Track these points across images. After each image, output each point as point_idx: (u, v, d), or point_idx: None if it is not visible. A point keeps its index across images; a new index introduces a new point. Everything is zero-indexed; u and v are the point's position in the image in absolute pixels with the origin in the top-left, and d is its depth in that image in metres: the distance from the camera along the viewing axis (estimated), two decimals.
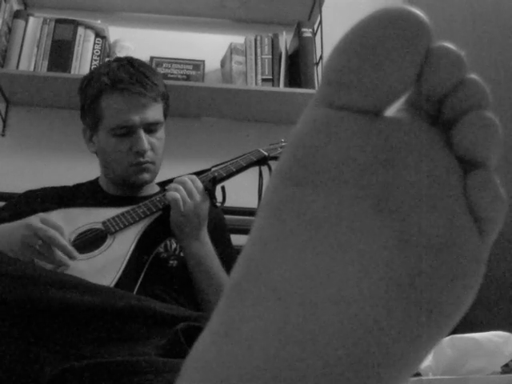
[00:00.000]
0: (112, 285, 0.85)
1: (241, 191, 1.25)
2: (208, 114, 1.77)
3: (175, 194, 0.96)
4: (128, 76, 1.03)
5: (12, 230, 0.87)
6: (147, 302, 0.62)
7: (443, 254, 0.24)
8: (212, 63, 1.79)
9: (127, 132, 1.04)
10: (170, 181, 1.07)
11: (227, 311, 0.24)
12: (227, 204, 1.06)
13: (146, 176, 1.07)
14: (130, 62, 1.07)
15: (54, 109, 1.74)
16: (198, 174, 1.06)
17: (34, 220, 0.86)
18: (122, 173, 1.06)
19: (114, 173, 1.08)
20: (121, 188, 1.12)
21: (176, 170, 1.14)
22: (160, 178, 1.14)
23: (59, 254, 0.85)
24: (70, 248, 0.86)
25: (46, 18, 1.67)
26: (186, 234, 0.97)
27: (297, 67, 1.67)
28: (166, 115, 1.12)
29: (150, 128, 1.06)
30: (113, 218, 0.97)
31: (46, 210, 0.98)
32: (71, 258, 0.86)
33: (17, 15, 1.67)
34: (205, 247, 0.99)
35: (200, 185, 0.99)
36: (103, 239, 0.94)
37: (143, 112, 1.03)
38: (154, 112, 1.06)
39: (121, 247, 0.93)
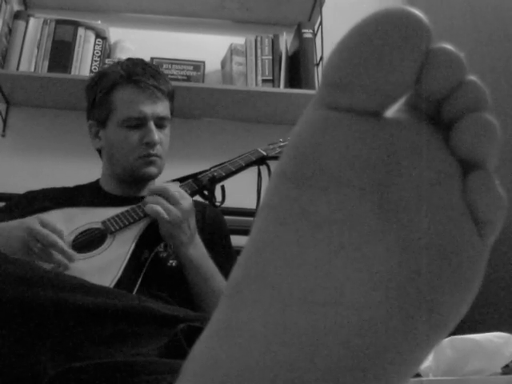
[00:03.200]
0: (112, 285, 0.85)
1: (239, 191, 1.25)
2: (208, 115, 1.77)
3: (155, 206, 0.93)
4: (142, 70, 1.07)
5: (11, 230, 0.87)
6: (147, 303, 0.62)
7: (443, 255, 0.24)
8: (212, 64, 1.79)
9: (138, 124, 1.06)
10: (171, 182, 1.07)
11: (227, 312, 0.24)
12: (226, 205, 1.06)
13: (153, 170, 1.08)
14: (142, 61, 1.12)
15: (54, 109, 1.74)
16: (197, 174, 1.06)
17: (34, 223, 0.86)
18: (129, 165, 1.07)
19: (121, 166, 1.08)
20: (124, 186, 1.12)
21: (177, 171, 1.14)
22: (160, 178, 1.14)
23: (58, 257, 0.85)
24: (70, 252, 0.86)
25: (46, 18, 1.67)
26: (180, 241, 0.95)
27: (297, 68, 1.67)
28: (171, 115, 1.14)
29: (160, 123, 1.08)
30: (112, 218, 0.97)
31: (45, 210, 0.98)
32: (70, 261, 0.86)
33: (17, 16, 1.67)
34: (199, 250, 0.98)
35: (181, 190, 0.97)
36: (103, 239, 0.94)
37: (156, 105, 1.06)
38: (164, 107, 1.09)
39: (120, 247, 0.93)
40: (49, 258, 0.85)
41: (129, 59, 1.14)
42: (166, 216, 0.92)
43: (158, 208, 0.93)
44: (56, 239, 0.85)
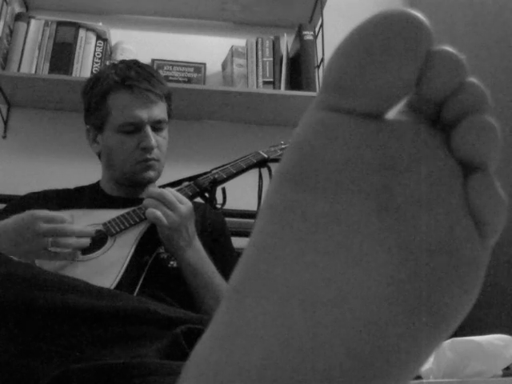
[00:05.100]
0: (113, 286, 0.85)
1: (241, 193, 1.25)
2: (209, 117, 1.77)
3: (155, 212, 0.93)
4: (136, 74, 1.06)
5: (17, 234, 0.85)
6: (148, 304, 0.62)
7: (443, 257, 0.24)
8: (213, 66, 1.79)
9: (134, 129, 1.05)
10: (171, 184, 1.07)
11: (228, 314, 0.24)
12: (227, 206, 1.06)
13: (152, 174, 1.07)
14: (136, 63, 1.10)
15: (55, 111, 1.74)
16: (198, 176, 1.06)
17: (39, 226, 0.85)
18: (128, 170, 1.07)
19: (119, 171, 1.08)
20: (124, 189, 1.12)
21: (177, 173, 1.14)
22: (161, 180, 1.14)
23: (73, 241, 0.87)
24: (86, 230, 0.89)
25: (47, 20, 1.67)
26: (178, 246, 0.95)
27: (298, 70, 1.67)
28: (169, 116, 1.13)
29: (156, 126, 1.07)
30: (113, 220, 0.97)
31: None
32: (90, 236, 0.89)
33: (18, 18, 1.67)
34: (198, 254, 0.98)
35: (179, 194, 0.97)
36: (104, 241, 0.94)
37: (151, 109, 1.05)
38: (161, 110, 1.08)
39: (121, 249, 0.93)
40: (64, 244, 0.86)
41: (122, 61, 1.12)
42: (164, 221, 0.92)
43: (158, 213, 0.93)
44: (71, 227, 0.87)
